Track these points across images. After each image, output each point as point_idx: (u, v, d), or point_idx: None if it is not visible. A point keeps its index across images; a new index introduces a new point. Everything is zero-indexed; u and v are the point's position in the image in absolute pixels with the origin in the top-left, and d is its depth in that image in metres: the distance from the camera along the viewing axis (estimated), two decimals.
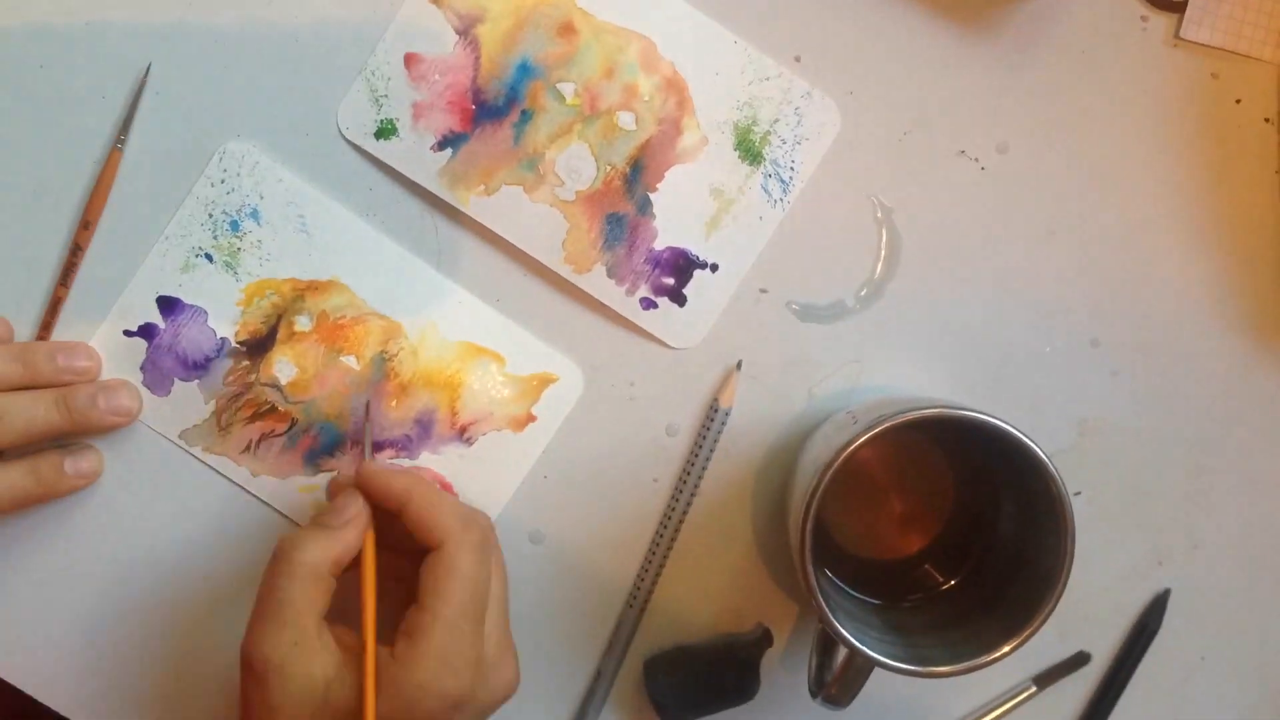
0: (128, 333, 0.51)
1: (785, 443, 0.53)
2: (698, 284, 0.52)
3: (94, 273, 0.51)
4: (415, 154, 0.51)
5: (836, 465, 0.45)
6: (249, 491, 0.52)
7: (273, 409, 0.51)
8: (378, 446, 0.52)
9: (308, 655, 0.43)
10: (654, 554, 0.53)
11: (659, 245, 0.51)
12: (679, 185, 0.51)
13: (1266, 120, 0.53)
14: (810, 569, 0.45)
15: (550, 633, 0.54)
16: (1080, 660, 0.55)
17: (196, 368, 0.51)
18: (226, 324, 0.51)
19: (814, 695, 0.48)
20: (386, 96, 0.50)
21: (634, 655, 0.54)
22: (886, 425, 0.45)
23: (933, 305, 0.53)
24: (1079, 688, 0.55)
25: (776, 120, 0.51)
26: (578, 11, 0.50)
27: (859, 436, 0.45)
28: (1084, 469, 0.54)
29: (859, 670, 0.47)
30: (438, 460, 0.52)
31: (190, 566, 0.52)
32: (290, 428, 0.51)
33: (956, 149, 0.52)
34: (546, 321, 0.52)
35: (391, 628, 0.45)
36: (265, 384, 0.51)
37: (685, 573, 0.53)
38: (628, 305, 0.52)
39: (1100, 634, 0.55)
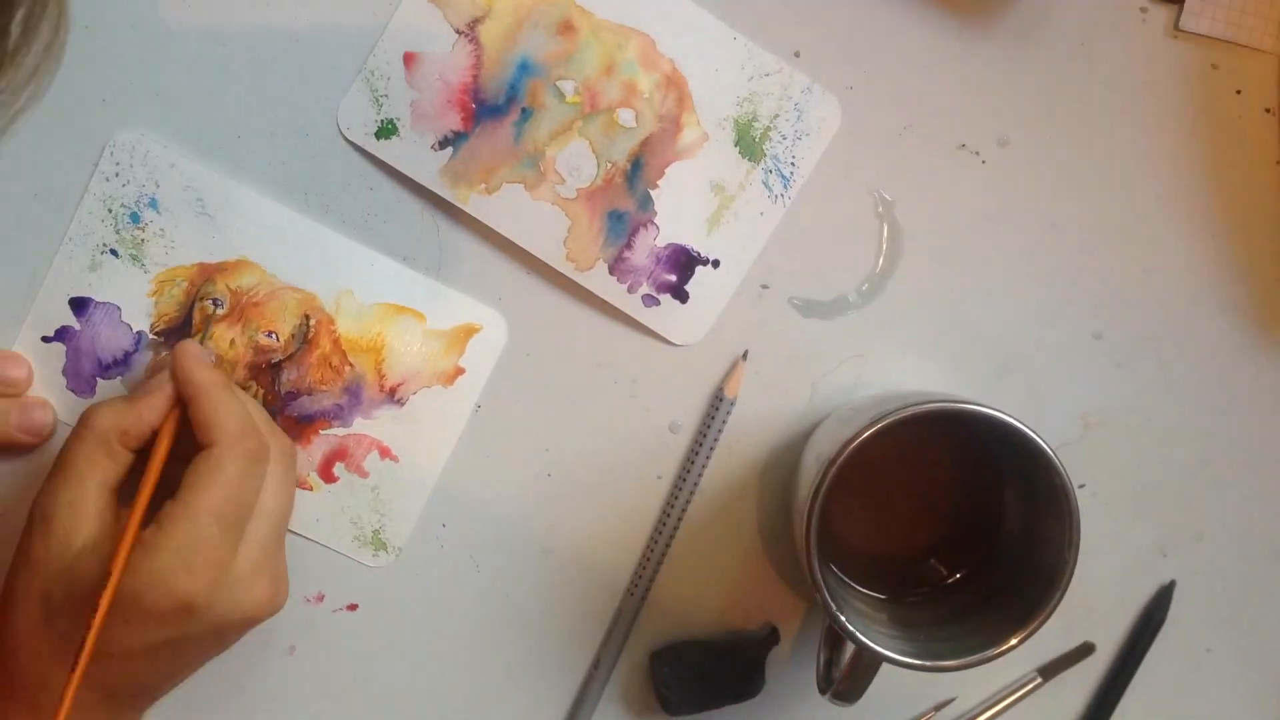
0: (45, 339, 0.51)
1: (789, 439, 0.53)
2: (700, 280, 0.52)
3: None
4: (416, 153, 0.50)
5: (841, 460, 0.45)
6: None
7: None
8: (309, 419, 0.51)
9: (75, 518, 0.44)
10: (656, 540, 0.53)
11: (660, 242, 0.51)
12: (680, 182, 0.51)
13: (1267, 110, 0.53)
14: (816, 565, 0.45)
15: (553, 624, 0.53)
16: (1085, 651, 0.55)
17: (117, 364, 0.51)
18: (140, 316, 0.51)
19: (823, 692, 0.48)
20: (386, 96, 0.50)
21: (640, 648, 0.54)
22: (890, 420, 0.45)
23: (935, 299, 0.53)
24: (1084, 679, 0.56)
25: (777, 116, 0.51)
26: (577, 9, 0.50)
27: (862, 432, 0.45)
28: (1088, 462, 0.54)
29: (867, 666, 0.47)
30: (372, 425, 0.52)
31: None
32: None
33: (957, 143, 0.52)
34: (548, 320, 0.52)
35: None
36: None
37: (691, 569, 0.53)
38: (630, 302, 0.52)
39: (1106, 626, 0.55)
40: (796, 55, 0.51)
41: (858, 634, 0.45)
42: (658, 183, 0.51)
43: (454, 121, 0.50)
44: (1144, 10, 0.52)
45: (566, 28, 0.50)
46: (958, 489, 0.52)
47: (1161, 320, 0.54)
